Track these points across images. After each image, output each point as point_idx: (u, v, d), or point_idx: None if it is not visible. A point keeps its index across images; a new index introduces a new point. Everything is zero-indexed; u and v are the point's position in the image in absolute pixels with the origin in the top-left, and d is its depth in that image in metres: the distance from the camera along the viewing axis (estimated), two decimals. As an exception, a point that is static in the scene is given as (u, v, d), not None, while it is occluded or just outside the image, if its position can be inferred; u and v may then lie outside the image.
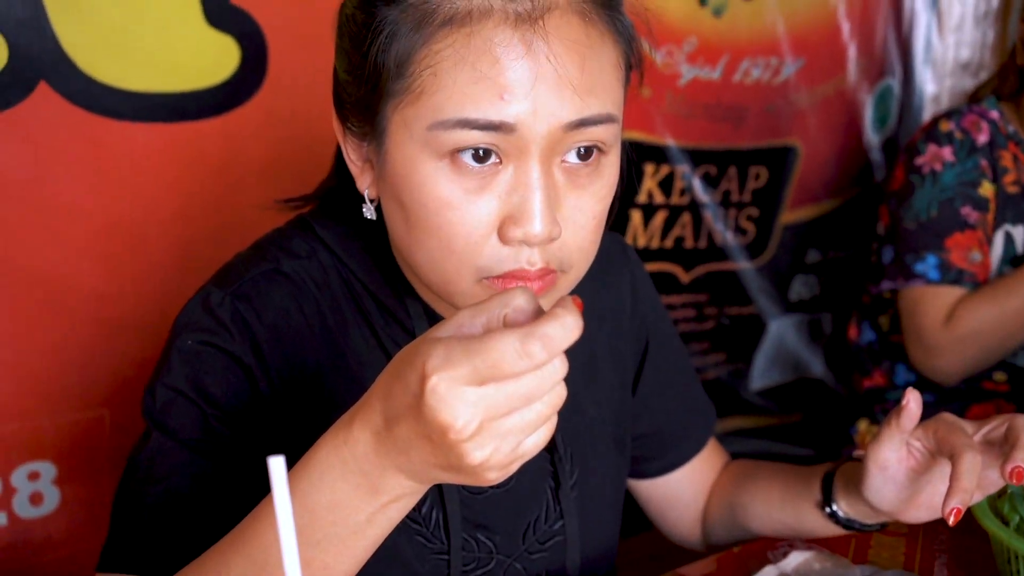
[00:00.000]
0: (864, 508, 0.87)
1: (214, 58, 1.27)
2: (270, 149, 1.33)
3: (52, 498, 1.28)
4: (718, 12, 1.81)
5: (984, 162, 1.49)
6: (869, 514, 0.88)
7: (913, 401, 0.80)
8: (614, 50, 0.69)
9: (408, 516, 0.76)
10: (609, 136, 0.69)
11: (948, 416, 0.81)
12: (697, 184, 1.90)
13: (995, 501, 0.86)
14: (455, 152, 0.65)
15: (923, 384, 1.58)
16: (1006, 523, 0.85)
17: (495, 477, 0.53)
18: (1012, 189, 1.51)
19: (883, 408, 1.65)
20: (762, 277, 2.06)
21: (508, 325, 0.51)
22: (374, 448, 0.55)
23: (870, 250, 1.72)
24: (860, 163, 2.15)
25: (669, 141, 1.83)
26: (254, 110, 1.31)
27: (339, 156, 0.83)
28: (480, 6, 0.64)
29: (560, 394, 0.52)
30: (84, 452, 1.29)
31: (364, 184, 0.74)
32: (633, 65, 0.74)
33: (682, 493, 1.06)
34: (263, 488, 0.56)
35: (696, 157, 1.88)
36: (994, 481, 0.80)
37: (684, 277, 1.95)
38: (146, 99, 1.24)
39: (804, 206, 2.08)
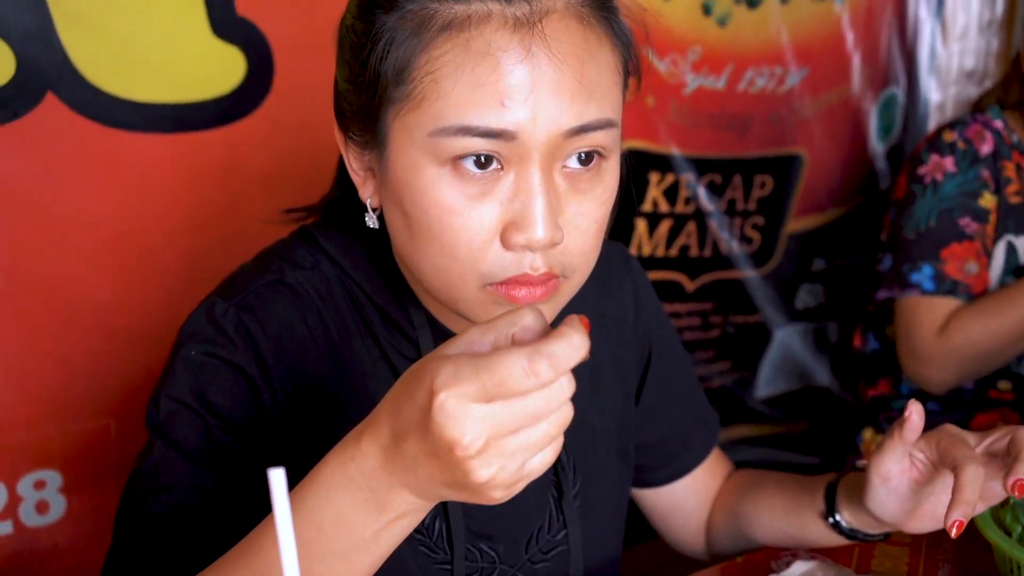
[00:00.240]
0: (867, 518, 0.87)
1: (220, 69, 1.28)
2: (276, 159, 1.34)
3: (58, 507, 1.28)
4: (722, 21, 1.81)
5: (986, 173, 1.49)
6: (872, 524, 0.88)
7: (915, 413, 0.80)
8: (612, 55, 0.69)
9: (411, 526, 0.76)
10: (609, 141, 0.69)
11: (951, 427, 0.81)
12: (702, 193, 1.90)
13: (998, 512, 0.86)
14: (457, 159, 0.65)
15: (927, 393, 1.58)
16: (1008, 533, 0.85)
17: (500, 496, 0.53)
18: (1015, 199, 1.50)
19: (888, 417, 1.65)
20: (767, 285, 2.05)
21: (516, 344, 0.52)
22: (381, 465, 0.55)
23: (875, 259, 1.72)
24: (865, 172, 2.15)
25: (674, 150, 1.83)
26: (260, 120, 1.32)
27: (341, 166, 0.84)
28: (478, 11, 0.64)
29: (567, 414, 0.52)
30: (90, 461, 1.29)
31: (366, 193, 0.75)
32: (631, 71, 0.74)
33: (686, 502, 1.06)
34: (267, 499, 0.56)
35: (701, 166, 1.88)
36: (997, 493, 0.80)
37: (689, 286, 1.95)
38: (153, 110, 1.24)
39: (809, 215, 2.08)
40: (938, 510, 0.82)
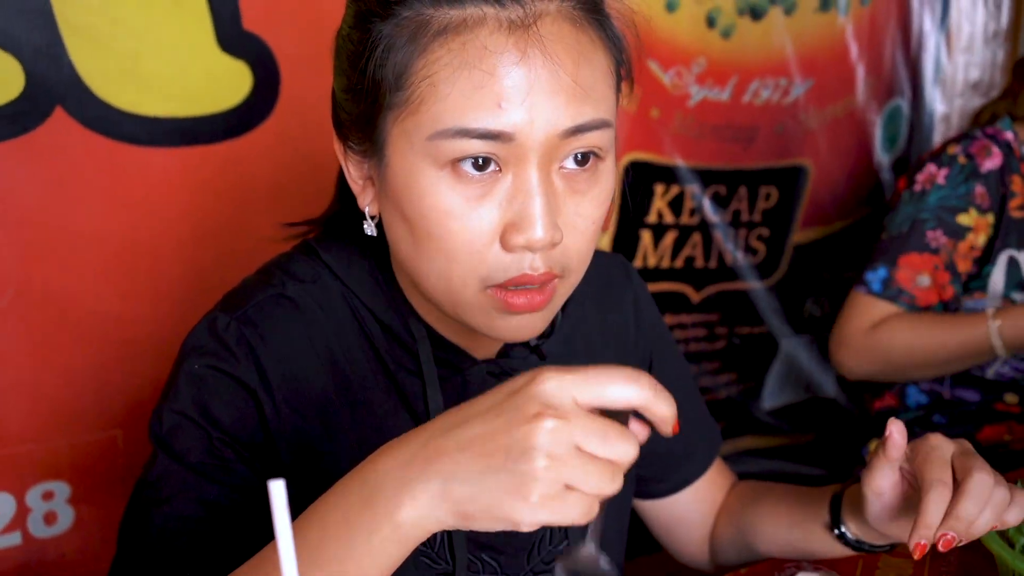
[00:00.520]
0: (871, 529, 0.87)
1: (227, 83, 1.29)
2: (282, 172, 1.35)
3: (66, 518, 1.29)
4: (726, 33, 1.82)
5: (981, 190, 1.49)
6: (877, 535, 0.88)
7: (896, 432, 0.80)
8: (605, 57, 0.70)
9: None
10: (605, 142, 0.69)
11: (932, 440, 0.80)
12: (707, 204, 1.90)
13: (1001, 523, 0.86)
14: (455, 161, 0.66)
15: (935, 405, 1.58)
16: (1012, 545, 0.85)
17: (534, 501, 0.52)
18: (1017, 214, 1.50)
19: (894, 428, 1.65)
20: (773, 297, 2.05)
21: None
22: (404, 463, 0.56)
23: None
24: (870, 183, 2.15)
25: (679, 161, 1.84)
26: (266, 133, 1.33)
27: (341, 179, 0.84)
28: (473, 15, 0.65)
29: (618, 480, 0.54)
30: (98, 472, 1.30)
31: (365, 201, 0.75)
32: (624, 75, 0.75)
33: (689, 513, 1.06)
34: (268, 511, 0.57)
35: (706, 177, 1.88)
36: (1004, 499, 0.80)
37: (694, 297, 1.95)
38: (160, 124, 1.25)
39: (815, 226, 2.08)
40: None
